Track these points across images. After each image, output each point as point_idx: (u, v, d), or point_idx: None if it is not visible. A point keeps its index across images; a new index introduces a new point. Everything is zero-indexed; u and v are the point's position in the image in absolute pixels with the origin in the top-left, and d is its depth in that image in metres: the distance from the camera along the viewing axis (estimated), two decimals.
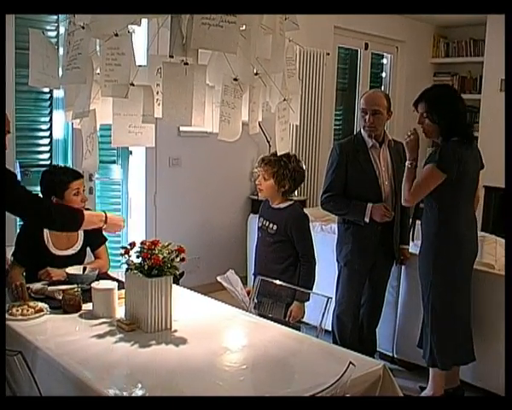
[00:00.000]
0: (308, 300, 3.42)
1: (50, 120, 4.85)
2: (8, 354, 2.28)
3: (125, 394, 2.11)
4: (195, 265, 5.48)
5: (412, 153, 3.57)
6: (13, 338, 2.60)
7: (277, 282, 3.35)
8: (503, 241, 4.09)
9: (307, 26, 5.72)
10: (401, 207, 3.96)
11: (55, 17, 4.68)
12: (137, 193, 5.43)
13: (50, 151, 4.89)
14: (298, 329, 3.20)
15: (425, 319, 3.66)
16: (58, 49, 2.74)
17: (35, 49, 2.60)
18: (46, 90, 4.62)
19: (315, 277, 3.51)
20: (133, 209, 5.44)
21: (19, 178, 4.55)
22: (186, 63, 2.35)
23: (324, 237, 4.48)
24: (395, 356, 4.32)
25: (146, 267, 2.64)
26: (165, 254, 2.67)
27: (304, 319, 3.49)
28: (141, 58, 2.71)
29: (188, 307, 3.04)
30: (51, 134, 4.88)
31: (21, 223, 3.58)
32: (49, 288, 3.09)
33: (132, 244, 2.75)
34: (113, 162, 5.31)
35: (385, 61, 7.81)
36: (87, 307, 2.90)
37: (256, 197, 5.92)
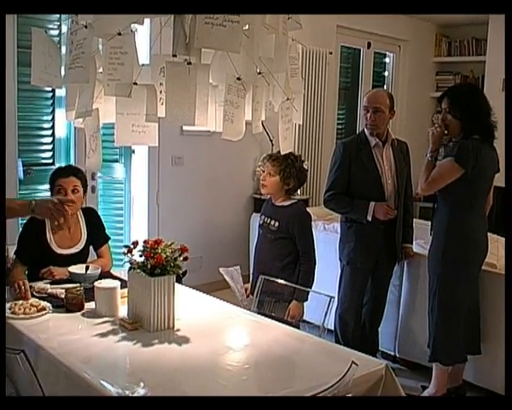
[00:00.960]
0: (307, 300, 3.42)
1: (53, 118, 4.85)
2: (10, 353, 2.28)
3: (127, 392, 2.11)
4: (198, 264, 5.48)
5: (434, 144, 3.59)
6: (15, 337, 2.61)
7: (280, 281, 3.35)
8: (504, 240, 4.09)
9: (310, 26, 5.71)
10: (404, 206, 3.97)
11: (58, 16, 4.68)
12: (140, 192, 5.43)
13: (53, 150, 4.89)
14: (298, 328, 3.20)
15: (430, 315, 3.66)
16: (60, 48, 2.74)
17: (37, 48, 2.60)
18: (48, 88, 4.62)
19: (314, 276, 3.51)
20: (136, 208, 5.44)
21: (21, 176, 4.59)
22: (189, 63, 2.35)
23: (327, 235, 4.48)
24: (397, 355, 4.31)
25: (149, 266, 2.64)
26: (167, 254, 2.67)
27: (306, 318, 3.50)
28: (144, 57, 2.71)
29: (190, 306, 3.04)
30: (53, 133, 4.88)
31: (24, 221, 3.57)
32: (52, 287, 3.09)
33: (135, 243, 2.75)
34: (116, 161, 5.31)
35: (387, 60, 7.80)
36: (90, 305, 2.90)
37: (259, 196, 5.93)
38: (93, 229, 3.54)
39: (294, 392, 2.16)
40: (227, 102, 2.47)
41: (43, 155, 4.88)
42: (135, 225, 5.45)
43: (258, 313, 3.22)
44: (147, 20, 2.49)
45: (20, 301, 2.86)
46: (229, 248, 5.91)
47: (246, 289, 3.65)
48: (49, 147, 4.89)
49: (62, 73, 2.62)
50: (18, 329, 2.65)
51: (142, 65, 2.51)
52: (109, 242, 3.65)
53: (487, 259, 3.69)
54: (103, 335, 2.63)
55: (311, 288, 3.43)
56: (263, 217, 3.65)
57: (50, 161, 4.88)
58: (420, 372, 4.09)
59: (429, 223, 3.72)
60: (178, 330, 2.71)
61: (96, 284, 2.90)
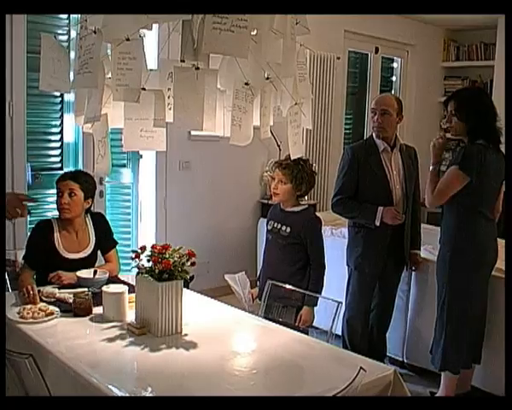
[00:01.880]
0: (316, 305, 3.42)
1: (61, 123, 4.87)
2: (18, 358, 2.29)
3: None
4: (205, 269, 5.48)
5: (436, 157, 3.60)
6: (24, 341, 2.61)
7: (287, 286, 3.35)
8: None
9: (318, 31, 5.68)
10: (412, 212, 3.96)
11: (67, 21, 4.71)
12: (147, 197, 5.44)
13: (61, 155, 4.91)
14: (306, 333, 3.19)
15: (438, 323, 3.65)
16: (69, 53, 2.75)
17: (46, 53, 2.61)
18: (57, 93, 4.63)
19: (323, 282, 3.51)
20: (143, 213, 5.45)
21: (30, 181, 4.61)
22: (197, 68, 2.36)
23: (334, 240, 4.47)
24: (405, 361, 4.30)
25: (156, 271, 2.64)
26: (175, 259, 2.67)
27: (314, 324, 3.49)
28: (152, 62, 2.72)
29: (198, 311, 3.04)
30: (62, 137, 4.90)
31: (32, 226, 3.58)
32: (60, 291, 3.10)
33: (143, 248, 2.75)
34: (124, 166, 5.33)
35: (395, 64, 7.79)
36: (97, 310, 2.90)
37: (266, 201, 5.93)
38: (101, 234, 3.54)
39: None
40: (235, 107, 2.47)
41: (52, 159, 4.89)
42: (142, 229, 5.45)
43: (266, 318, 3.22)
44: (155, 26, 2.49)
45: (29, 306, 2.87)
46: (236, 253, 5.91)
47: (252, 295, 3.64)
48: (58, 152, 4.90)
49: (71, 78, 2.63)
50: (26, 333, 2.65)
51: (151, 70, 2.52)
52: (117, 246, 3.65)
53: (496, 265, 3.67)
54: (111, 339, 2.63)
55: (320, 293, 3.42)
56: (272, 222, 3.64)
57: (59, 165, 4.89)
58: (428, 378, 4.07)
59: (437, 228, 3.71)
60: (186, 335, 2.70)
61: (103, 288, 2.90)
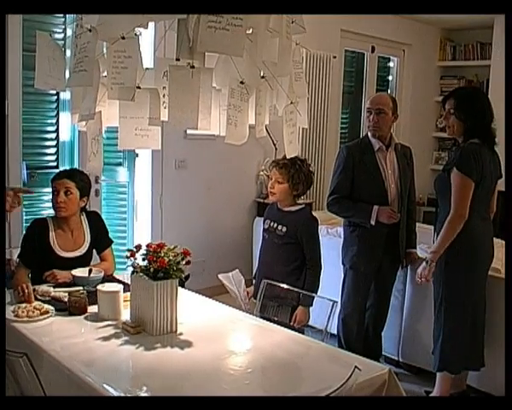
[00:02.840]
0: (312, 304, 3.42)
1: (57, 121, 4.86)
2: (13, 356, 2.28)
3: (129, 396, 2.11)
4: (201, 268, 5.47)
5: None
6: (18, 340, 2.61)
7: (283, 285, 3.35)
8: None
9: (314, 30, 5.68)
10: (407, 211, 3.97)
11: (63, 19, 4.70)
12: (143, 195, 5.43)
13: (57, 153, 4.90)
14: (302, 333, 3.19)
15: (435, 323, 3.65)
16: (65, 51, 2.75)
17: (42, 51, 2.61)
18: (53, 92, 4.63)
19: (319, 282, 3.50)
20: (139, 211, 5.45)
21: (25, 179, 4.60)
22: (192, 66, 2.35)
23: (330, 240, 4.47)
24: (400, 360, 4.30)
25: (152, 270, 2.64)
26: (170, 257, 2.66)
27: (309, 323, 3.49)
28: (148, 61, 2.71)
29: (193, 310, 3.04)
30: (58, 136, 4.89)
31: (27, 225, 3.58)
32: (55, 290, 3.10)
33: (138, 247, 2.75)
34: (120, 164, 5.32)
35: (391, 64, 7.80)
36: (93, 309, 2.90)
37: (262, 200, 5.93)
38: (96, 232, 3.54)
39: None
40: (230, 105, 2.47)
41: (48, 158, 4.88)
42: (138, 228, 5.45)
43: (261, 317, 3.22)
44: (151, 24, 2.49)
45: (24, 305, 2.87)
46: (232, 252, 5.91)
47: (248, 293, 3.64)
48: (53, 150, 4.89)
49: (67, 76, 2.63)
50: (21, 332, 2.65)
51: (146, 69, 2.51)
52: (112, 245, 3.65)
53: (492, 264, 3.67)
54: (106, 338, 2.62)
55: (316, 293, 3.42)
56: (268, 221, 3.64)
57: (54, 164, 4.88)
58: (423, 377, 4.07)
59: (433, 227, 3.71)
60: (181, 334, 2.70)
61: (98, 287, 2.90)
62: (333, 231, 4.60)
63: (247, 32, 2.35)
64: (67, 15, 4.65)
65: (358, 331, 4.00)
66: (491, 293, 3.69)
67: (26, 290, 2.96)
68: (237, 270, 3.71)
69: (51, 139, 4.88)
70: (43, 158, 4.87)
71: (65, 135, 4.91)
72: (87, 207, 3.58)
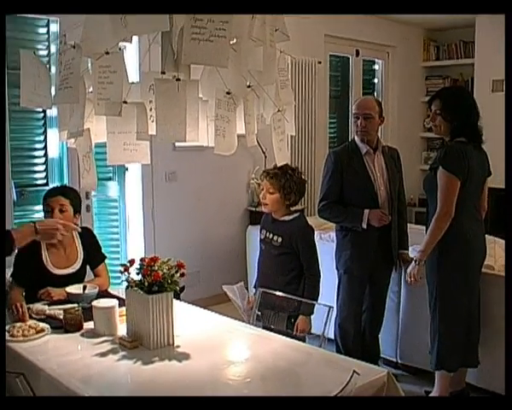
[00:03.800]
0: (313, 313, 3.40)
1: (45, 139, 4.85)
2: (10, 376, 2.27)
3: None
4: (196, 279, 5.47)
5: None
6: (14, 359, 2.60)
7: (278, 293, 3.34)
8: (501, 241, 4.09)
9: (298, 36, 5.73)
10: (398, 212, 3.97)
11: (46, 36, 4.69)
12: (135, 209, 5.42)
13: (46, 170, 4.89)
14: (303, 341, 3.19)
15: (431, 323, 3.66)
16: (50, 68, 2.75)
17: (26, 69, 2.61)
18: (39, 109, 4.62)
19: (319, 291, 3.50)
20: (131, 225, 5.44)
21: (15, 198, 4.58)
22: (178, 79, 2.36)
23: (323, 245, 4.46)
24: (399, 361, 4.31)
25: (146, 284, 2.63)
26: (164, 270, 2.66)
27: None
28: (133, 75, 2.72)
29: (189, 322, 3.03)
30: (46, 153, 4.88)
31: None
32: (50, 308, 3.08)
33: (132, 261, 2.75)
34: (110, 179, 5.31)
35: (376, 66, 7.84)
36: (88, 325, 2.89)
37: (254, 209, 5.93)
38: (89, 249, 3.53)
39: None
40: (218, 116, 2.47)
41: (37, 175, 4.87)
42: (131, 242, 5.44)
43: (258, 326, 3.21)
44: (135, 38, 2.49)
45: (19, 324, 2.85)
46: (226, 261, 5.91)
47: (250, 303, 3.60)
48: (42, 168, 4.89)
49: (53, 93, 2.62)
50: (17, 351, 2.64)
51: (132, 83, 2.52)
52: (106, 260, 3.64)
53: (485, 261, 3.69)
54: (103, 354, 2.61)
55: (317, 300, 3.40)
56: (264, 231, 3.63)
57: (44, 181, 4.88)
58: (422, 377, 4.08)
59: (424, 228, 3.72)
60: (178, 346, 2.70)
61: (93, 303, 2.89)
62: (326, 236, 4.60)
63: (231, 42, 2.36)
64: (51, 32, 4.66)
65: (355, 335, 4.00)
66: (485, 290, 3.70)
67: (21, 309, 2.95)
68: (242, 283, 3.70)
69: (40, 157, 4.87)
70: (32, 176, 4.86)
71: (53, 152, 4.91)
72: (78, 223, 3.56)
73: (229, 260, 5.91)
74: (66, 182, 4.83)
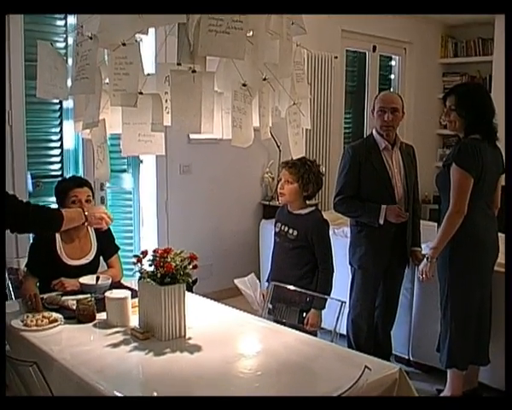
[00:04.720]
0: (324, 307, 3.39)
1: (61, 130, 4.87)
2: (23, 365, 2.29)
3: None
4: (208, 271, 5.47)
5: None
6: (28, 349, 2.61)
7: (291, 287, 3.34)
8: None
9: (315, 30, 5.70)
10: (412, 209, 3.95)
11: (64, 28, 4.71)
12: (149, 201, 5.44)
13: (61, 162, 4.91)
14: (315, 335, 3.18)
15: (442, 320, 3.64)
16: (67, 59, 2.76)
17: (43, 60, 2.62)
18: (56, 100, 4.64)
19: (332, 285, 3.49)
20: (145, 217, 5.45)
21: (30, 189, 4.61)
22: (194, 71, 2.36)
23: (337, 240, 4.45)
24: (411, 359, 4.29)
25: (159, 275, 2.63)
26: (177, 262, 2.66)
27: None
28: (149, 66, 2.72)
29: (201, 314, 3.04)
30: (62, 145, 4.90)
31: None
32: (63, 298, 3.09)
33: (145, 253, 2.75)
34: (124, 171, 5.33)
35: (393, 62, 7.79)
36: (101, 316, 2.90)
37: (268, 202, 5.93)
38: (102, 240, 3.54)
39: None
40: (234, 108, 2.47)
41: (52, 166, 4.89)
42: (144, 234, 5.45)
43: (269, 319, 3.21)
44: (151, 30, 2.49)
45: (32, 314, 2.87)
46: (238, 255, 5.91)
47: (263, 296, 3.60)
48: (58, 159, 4.91)
49: (69, 84, 2.63)
50: (30, 341, 2.65)
51: (148, 74, 2.52)
52: (119, 252, 3.65)
53: (498, 259, 3.66)
54: (115, 345, 2.62)
55: (329, 295, 3.40)
56: (279, 224, 3.63)
57: (59, 173, 4.89)
58: (435, 375, 4.05)
59: (436, 224, 3.70)
60: (190, 338, 2.70)
61: (106, 294, 2.90)
62: (339, 231, 4.58)
63: (248, 34, 2.35)
64: (68, 23, 4.68)
65: (368, 331, 3.98)
66: (498, 288, 3.67)
67: (35, 299, 2.97)
68: (252, 274, 3.70)
69: (55, 148, 4.89)
70: (48, 167, 4.88)
71: (69, 143, 4.92)
72: None
73: (242, 254, 5.91)
74: (81, 173, 4.85)
